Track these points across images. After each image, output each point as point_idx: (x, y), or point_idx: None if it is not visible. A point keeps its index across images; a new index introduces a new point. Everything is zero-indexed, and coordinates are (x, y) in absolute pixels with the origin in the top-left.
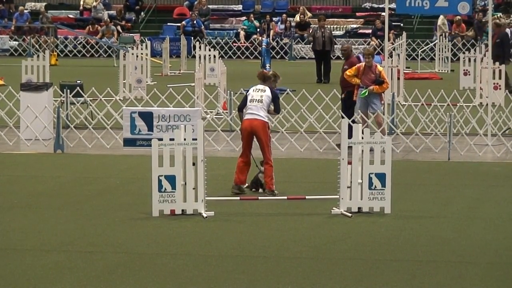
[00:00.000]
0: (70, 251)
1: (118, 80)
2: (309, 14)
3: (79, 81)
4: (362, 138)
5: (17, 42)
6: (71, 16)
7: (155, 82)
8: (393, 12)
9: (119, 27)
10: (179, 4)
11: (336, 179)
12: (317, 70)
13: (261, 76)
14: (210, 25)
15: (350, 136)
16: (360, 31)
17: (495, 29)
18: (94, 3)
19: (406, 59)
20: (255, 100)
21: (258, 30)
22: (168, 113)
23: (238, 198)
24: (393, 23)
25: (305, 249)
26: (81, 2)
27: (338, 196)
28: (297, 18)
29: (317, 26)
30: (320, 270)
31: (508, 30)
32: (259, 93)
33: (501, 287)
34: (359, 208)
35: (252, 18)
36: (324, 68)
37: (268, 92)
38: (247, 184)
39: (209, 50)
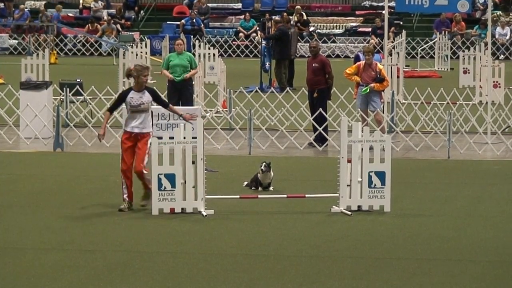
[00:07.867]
0: (70, 250)
1: (117, 79)
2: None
3: (79, 80)
4: (362, 136)
5: (16, 41)
6: (70, 14)
7: (155, 81)
8: (392, 10)
9: (118, 26)
10: (179, 3)
11: (336, 177)
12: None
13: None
14: (210, 23)
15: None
16: (360, 29)
17: (275, 26)
18: (94, 7)
19: (406, 57)
20: None
21: (258, 29)
22: (168, 112)
23: (238, 196)
24: (394, 21)
25: (305, 247)
26: (81, 1)
27: (337, 195)
28: (295, 18)
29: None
30: (319, 268)
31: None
32: None
33: (500, 285)
34: (358, 206)
35: (248, 17)
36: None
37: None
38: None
39: (209, 48)
